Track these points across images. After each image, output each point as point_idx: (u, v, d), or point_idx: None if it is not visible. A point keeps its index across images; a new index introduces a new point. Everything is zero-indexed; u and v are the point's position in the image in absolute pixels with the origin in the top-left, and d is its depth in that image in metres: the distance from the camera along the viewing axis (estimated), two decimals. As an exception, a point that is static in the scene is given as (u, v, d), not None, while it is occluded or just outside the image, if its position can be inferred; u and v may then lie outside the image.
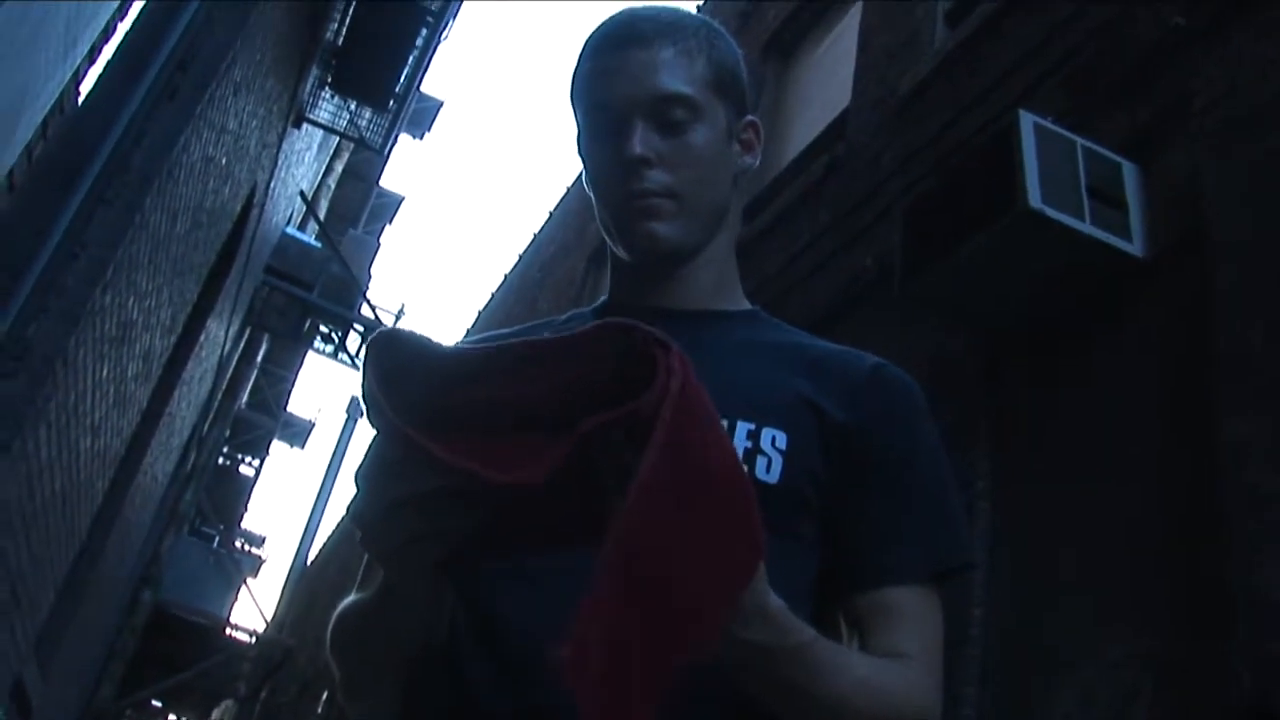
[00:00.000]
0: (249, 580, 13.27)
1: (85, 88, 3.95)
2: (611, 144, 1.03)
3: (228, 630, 12.92)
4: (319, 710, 14.52)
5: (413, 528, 0.74)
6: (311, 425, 21.23)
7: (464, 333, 14.86)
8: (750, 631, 0.77)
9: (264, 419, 17.55)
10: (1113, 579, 2.93)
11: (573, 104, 1.10)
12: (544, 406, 0.70)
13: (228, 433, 13.33)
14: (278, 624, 14.71)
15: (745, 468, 0.81)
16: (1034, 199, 3.06)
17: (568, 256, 10.44)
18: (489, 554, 0.83)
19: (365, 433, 0.77)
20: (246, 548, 16.92)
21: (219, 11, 4.46)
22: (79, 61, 3.62)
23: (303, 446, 21.64)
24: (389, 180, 25.43)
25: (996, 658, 3.17)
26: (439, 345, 0.73)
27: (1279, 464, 2.44)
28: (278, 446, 20.19)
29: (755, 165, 1.13)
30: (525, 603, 0.89)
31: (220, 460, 15.60)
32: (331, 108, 9.52)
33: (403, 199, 19.43)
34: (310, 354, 15.29)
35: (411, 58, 8.78)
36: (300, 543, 17.05)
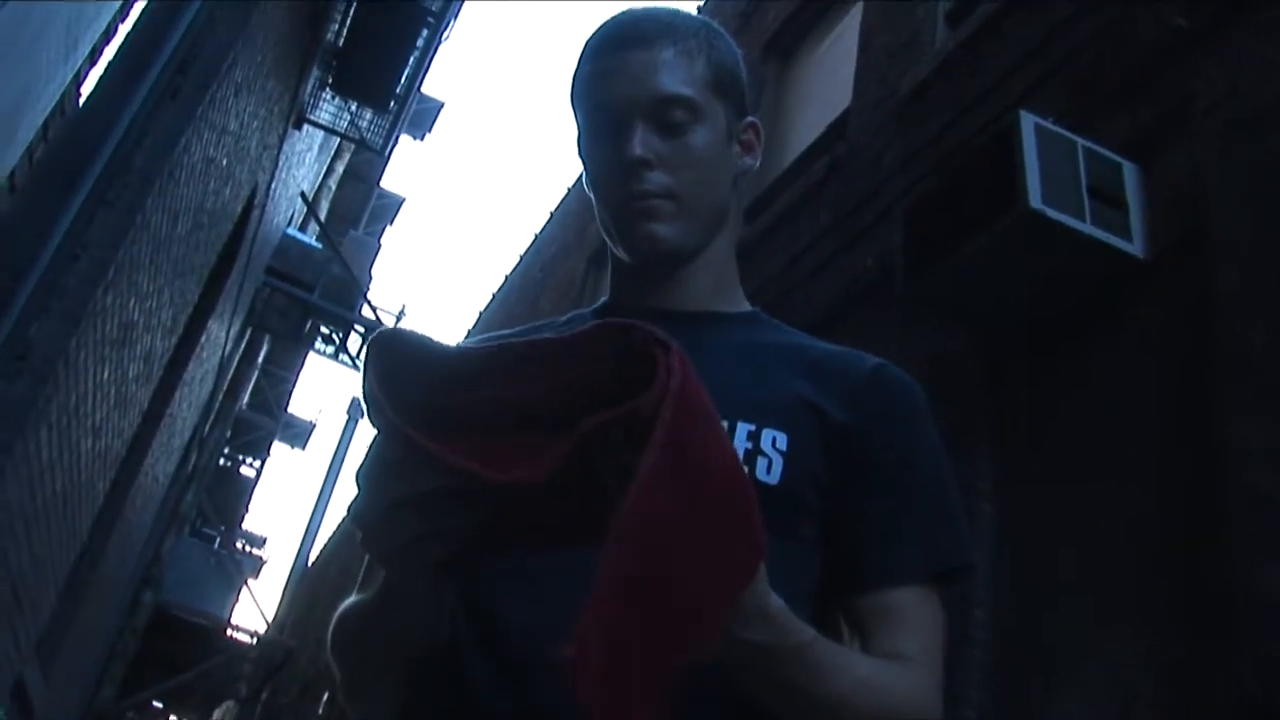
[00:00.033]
0: (250, 581, 13.29)
1: (86, 89, 3.95)
2: (611, 145, 1.03)
3: (229, 631, 12.92)
4: (320, 711, 14.53)
5: (413, 528, 0.74)
6: (312, 426, 21.24)
7: (465, 333, 14.87)
8: (750, 632, 0.77)
9: (265, 420, 17.56)
10: (1114, 579, 2.93)
11: (573, 105, 1.10)
12: (544, 406, 0.70)
13: (229, 434, 13.34)
14: (279, 625, 14.70)
15: (745, 468, 0.81)
16: (1035, 199, 3.07)
17: (568, 257, 10.44)
18: (489, 554, 0.83)
19: (366, 433, 0.77)
20: (247, 549, 16.94)
21: (220, 12, 4.46)
22: (80, 63, 3.62)
23: (304, 447, 21.64)
24: (390, 181, 25.50)
25: (997, 658, 3.17)
26: (439, 345, 0.73)
27: (1280, 464, 2.44)
28: (279, 447, 20.21)
29: (755, 166, 1.13)
30: (525, 603, 0.89)
31: (221, 461, 15.59)
32: (332, 109, 9.51)
33: (403, 200, 19.43)
34: (311, 355, 15.30)
35: (412, 59, 8.78)
36: (301, 544, 17.05)
